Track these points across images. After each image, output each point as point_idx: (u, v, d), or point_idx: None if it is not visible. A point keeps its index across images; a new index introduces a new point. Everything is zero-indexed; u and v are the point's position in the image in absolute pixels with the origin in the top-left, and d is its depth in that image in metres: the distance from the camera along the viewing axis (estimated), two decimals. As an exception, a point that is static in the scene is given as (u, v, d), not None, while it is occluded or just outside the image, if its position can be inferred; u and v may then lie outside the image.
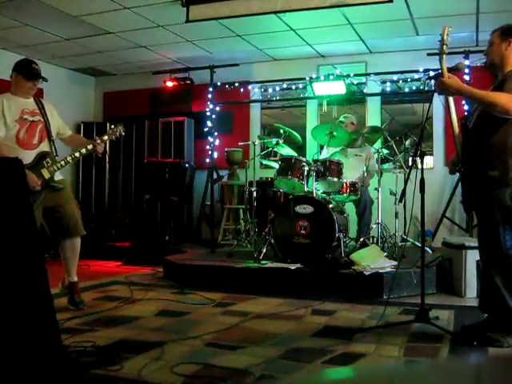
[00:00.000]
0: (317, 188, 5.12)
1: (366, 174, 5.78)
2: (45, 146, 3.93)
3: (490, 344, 2.95)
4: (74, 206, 4.04)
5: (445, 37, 3.12)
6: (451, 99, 3.23)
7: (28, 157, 3.79)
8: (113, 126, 4.24)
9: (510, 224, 2.98)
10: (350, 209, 5.69)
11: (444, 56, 3.14)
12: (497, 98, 2.92)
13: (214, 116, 7.49)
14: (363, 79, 7.17)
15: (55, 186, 3.90)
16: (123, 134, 4.29)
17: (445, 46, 3.12)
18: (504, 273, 3.03)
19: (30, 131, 3.86)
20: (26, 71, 3.87)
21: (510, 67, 3.06)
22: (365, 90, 7.28)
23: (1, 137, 3.75)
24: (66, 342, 2.84)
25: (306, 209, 4.94)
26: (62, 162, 3.93)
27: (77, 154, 4.00)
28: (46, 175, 3.84)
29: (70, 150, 4.24)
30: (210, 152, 7.44)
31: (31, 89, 3.93)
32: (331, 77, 6.84)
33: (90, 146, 4.02)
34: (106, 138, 4.16)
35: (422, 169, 3.31)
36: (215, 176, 7.22)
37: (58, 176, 3.96)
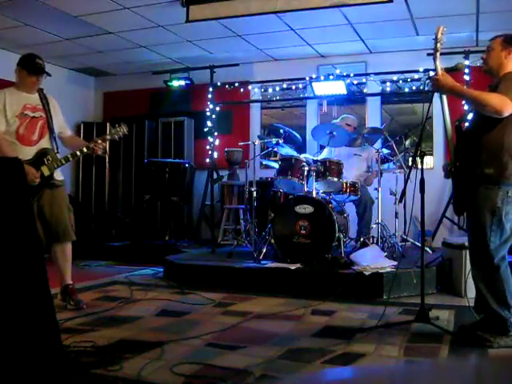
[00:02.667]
0: (317, 188, 5.12)
1: (369, 173, 5.78)
2: (45, 143, 3.92)
3: (480, 344, 2.97)
4: (65, 211, 3.99)
5: (439, 35, 3.14)
6: (445, 98, 3.24)
7: (28, 153, 3.79)
8: (116, 125, 4.21)
9: (497, 226, 3.00)
10: (350, 209, 5.68)
11: (438, 54, 3.15)
12: (488, 98, 2.94)
13: (213, 116, 7.49)
14: (363, 79, 7.16)
15: (54, 183, 3.89)
16: (126, 133, 4.25)
17: (439, 45, 3.14)
18: (487, 275, 3.05)
19: (30, 127, 3.85)
20: (30, 66, 3.86)
21: (506, 71, 3.07)
22: (365, 90, 7.27)
23: (1, 131, 3.74)
24: (66, 342, 2.84)
25: (306, 209, 4.94)
26: (63, 160, 3.92)
27: (77, 153, 3.97)
28: (46, 172, 3.84)
29: (67, 150, 4.22)
30: (210, 152, 7.44)
31: (35, 83, 3.91)
32: (331, 77, 6.84)
33: (85, 149, 3.97)
34: (108, 137, 4.14)
35: (422, 169, 3.31)
36: (215, 176, 7.22)
37: (58, 175, 3.95)
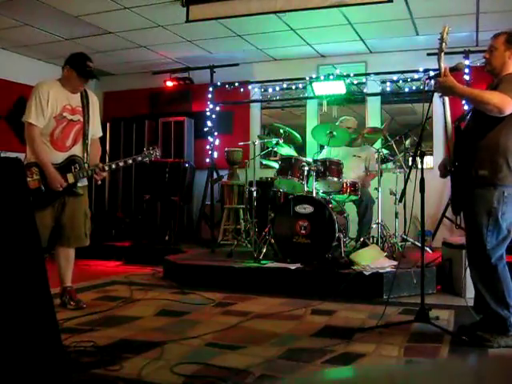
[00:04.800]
0: (317, 188, 5.12)
1: (367, 174, 5.78)
2: (77, 149, 3.86)
3: (480, 343, 2.97)
4: (82, 219, 3.94)
5: (444, 35, 3.13)
6: (447, 100, 3.24)
7: (59, 157, 3.76)
8: (150, 148, 4.06)
9: (494, 226, 3.00)
10: (350, 209, 5.69)
11: (442, 54, 3.14)
12: (489, 96, 2.93)
13: (213, 116, 7.49)
14: (363, 79, 7.16)
15: (76, 192, 3.86)
16: (158, 156, 4.12)
17: (444, 45, 3.13)
18: (485, 275, 3.05)
19: (65, 131, 3.79)
20: (81, 68, 3.76)
21: (507, 72, 3.06)
22: (365, 90, 7.28)
23: (39, 128, 3.69)
24: (66, 342, 2.84)
25: (306, 209, 4.94)
26: (90, 172, 3.86)
27: (106, 168, 3.90)
28: (71, 180, 3.79)
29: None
30: (210, 152, 7.44)
31: (81, 86, 3.85)
32: (331, 77, 6.84)
33: (96, 169, 3.86)
34: (139, 159, 4.01)
35: (422, 169, 3.31)
36: (215, 176, 7.22)
37: (82, 182, 3.91)
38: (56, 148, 3.78)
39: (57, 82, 3.82)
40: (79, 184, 3.88)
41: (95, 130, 4.07)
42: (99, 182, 3.98)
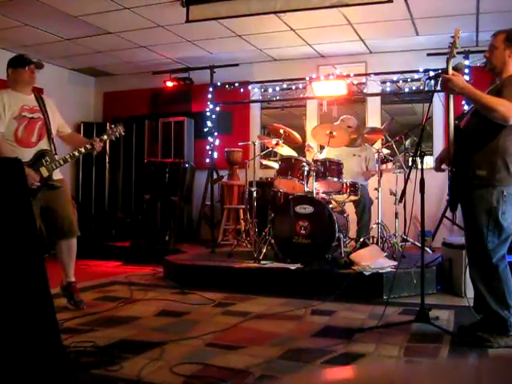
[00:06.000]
0: (317, 188, 5.12)
1: (367, 171, 5.79)
2: (44, 144, 3.91)
3: (480, 344, 2.97)
4: (69, 207, 4.02)
5: (456, 40, 3.10)
6: (451, 99, 3.22)
7: (27, 155, 3.78)
8: (113, 126, 4.22)
9: (495, 225, 2.99)
10: (350, 209, 5.69)
11: (452, 59, 3.12)
12: (497, 104, 2.89)
13: (213, 116, 7.49)
14: (363, 79, 7.16)
15: (53, 185, 3.89)
16: (123, 133, 4.27)
17: (455, 49, 3.10)
18: (486, 275, 3.04)
19: (28, 129, 3.84)
20: (19, 61, 3.86)
21: (509, 73, 3.05)
22: (365, 90, 7.28)
23: (1, 133, 3.73)
24: (66, 342, 2.84)
25: (306, 209, 4.94)
26: (61, 161, 3.92)
27: (76, 153, 3.98)
28: (45, 173, 3.83)
29: (68, 149, 4.22)
30: (210, 152, 7.44)
31: (31, 78, 3.90)
32: (331, 77, 6.84)
33: (88, 146, 4.00)
34: (105, 137, 4.14)
35: (422, 169, 3.31)
36: (215, 176, 7.22)
37: (57, 175, 3.95)
38: (22, 145, 3.81)
39: (8, 90, 3.88)
40: (54, 177, 3.91)
41: (61, 127, 4.15)
42: (97, 152, 4.10)
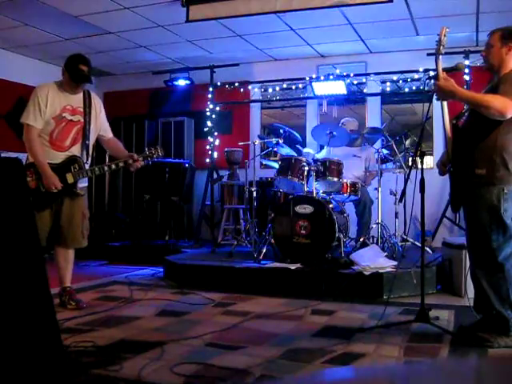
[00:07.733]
0: (317, 188, 5.12)
1: (367, 174, 5.78)
2: (76, 149, 3.84)
3: (480, 344, 2.96)
4: (78, 219, 3.92)
5: (442, 37, 3.12)
6: (445, 103, 3.22)
7: (57, 157, 3.76)
8: (152, 149, 4.06)
9: (497, 224, 2.98)
10: (350, 209, 5.68)
11: (440, 57, 3.13)
12: (491, 100, 2.91)
13: (213, 116, 7.48)
14: (363, 79, 7.16)
15: (75, 193, 3.84)
16: (161, 156, 4.14)
17: (441, 47, 3.12)
18: (490, 274, 3.03)
19: (64, 131, 3.78)
20: (73, 72, 3.76)
21: (507, 70, 3.05)
22: (365, 90, 7.28)
23: (38, 129, 3.69)
24: (66, 342, 2.84)
25: (306, 209, 4.94)
26: (89, 172, 3.87)
27: (105, 168, 3.92)
28: (70, 180, 3.78)
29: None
30: (210, 152, 7.44)
31: (76, 88, 3.84)
32: (331, 77, 6.84)
33: (121, 164, 3.91)
34: (141, 159, 3.97)
35: (422, 169, 3.31)
36: (215, 176, 7.22)
37: (82, 183, 3.89)
38: (54, 148, 3.78)
39: (56, 84, 3.82)
40: (79, 185, 3.87)
41: (104, 130, 4.08)
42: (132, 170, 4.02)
